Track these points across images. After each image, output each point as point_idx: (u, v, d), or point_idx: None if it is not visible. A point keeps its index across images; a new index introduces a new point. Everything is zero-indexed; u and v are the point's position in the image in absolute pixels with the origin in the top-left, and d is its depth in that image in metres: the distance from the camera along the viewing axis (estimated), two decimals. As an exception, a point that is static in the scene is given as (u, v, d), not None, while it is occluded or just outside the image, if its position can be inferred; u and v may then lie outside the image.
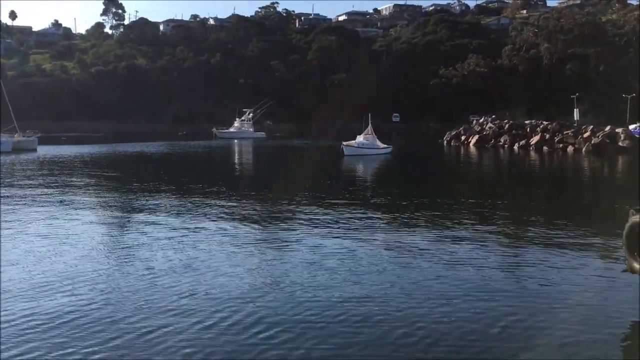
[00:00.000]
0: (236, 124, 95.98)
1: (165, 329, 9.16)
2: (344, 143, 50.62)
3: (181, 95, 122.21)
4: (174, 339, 8.83)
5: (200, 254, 14.01)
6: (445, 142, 72.59)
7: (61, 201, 23.09)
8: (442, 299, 10.76)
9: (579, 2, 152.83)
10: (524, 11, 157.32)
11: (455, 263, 13.37)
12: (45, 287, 11.28)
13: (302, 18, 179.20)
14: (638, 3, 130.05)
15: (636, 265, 9.54)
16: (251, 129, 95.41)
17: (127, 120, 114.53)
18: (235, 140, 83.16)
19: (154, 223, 18.38)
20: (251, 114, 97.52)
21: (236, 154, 61.68)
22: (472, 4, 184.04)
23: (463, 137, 70.73)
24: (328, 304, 10.43)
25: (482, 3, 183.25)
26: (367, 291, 11.18)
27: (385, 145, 55.11)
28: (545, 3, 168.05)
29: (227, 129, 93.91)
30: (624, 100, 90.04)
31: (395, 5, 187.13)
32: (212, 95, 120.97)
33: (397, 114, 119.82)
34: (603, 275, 12.28)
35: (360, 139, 52.93)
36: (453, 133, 73.75)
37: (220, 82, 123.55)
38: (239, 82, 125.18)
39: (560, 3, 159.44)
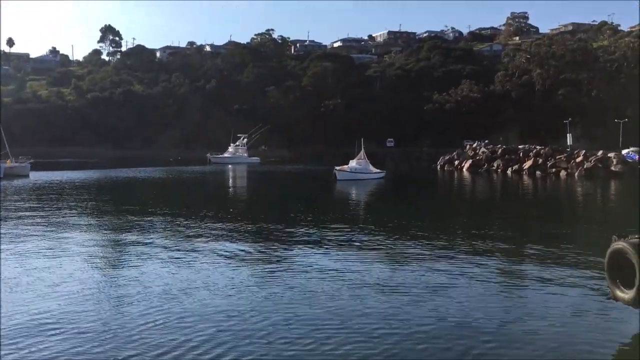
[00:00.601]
0: (230, 149, 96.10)
1: (128, 353, 8.96)
2: (337, 168, 50.54)
3: (177, 121, 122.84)
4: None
5: (179, 280, 13.81)
6: (438, 166, 72.68)
7: (47, 225, 22.86)
8: (414, 323, 10.56)
9: (570, 29, 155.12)
10: (517, 38, 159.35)
11: (436, 289, 13.19)
12: (10, 314, 11.02)
13: (298, 45, 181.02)
14: (628, 30, 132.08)
15: (618, 293, 9.35)
16: (245, 154, 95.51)
17: (123, 146, 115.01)
18: (230, 166, 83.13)
19: (135, 247, 18.21)
20: (245, 139, 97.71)
21: (230, 179, 61.55)
22: (465, 31, 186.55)
23: (456, 162, 70.83)
24: (297, 327, 10.23)
25: (475, 30, 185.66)
26: (342, 316, 10.97)
27: (378, 170, 55.08)
28: (538, 30, 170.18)
29: (221, 154, 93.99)
30: (616, 125, 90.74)
31: (389, 32, 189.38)
32: (208, 121, 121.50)
33: (392, 139, 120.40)
34: (588, 303, 12.07)
35: (352, 163, 52.89)
36: (447, 158, 73.87)
37: (216, 108, 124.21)
38: (234, 107, 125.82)
39: (552, 30, 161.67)
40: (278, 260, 16.36)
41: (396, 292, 12.76)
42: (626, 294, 9.12)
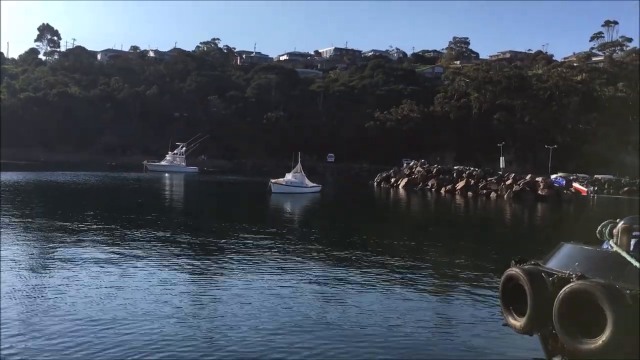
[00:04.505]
0: (168, 157, 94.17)
1: None
2: (272, 180, 50.22)
3: (114, 126, 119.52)
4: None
5: (109, 291, 13.17)
6: (375, 183, 73.50)
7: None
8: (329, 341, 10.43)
9: (508, 56, 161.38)
10: (458, 62, 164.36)
11: (338, 303, 13.10)
12: None
13: (244, 56, 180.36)
14: (561, 60, 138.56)
15: (511, 320, 9.39)
16: (183, 163, 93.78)
17: (56, 149, 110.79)
18: (166, 174, 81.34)
19: (59, 257, 17.33)
20: (184, 148, 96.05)
21: (166, 188, 60.14)
22: (409, 52, 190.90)
23: (393, 180, 71.85)
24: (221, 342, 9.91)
25: (419, 52, 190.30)
26: (270, 329, 10.71)
27: (314, 184, 55.15)
28: (478, 55, 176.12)
29: (158, 162, 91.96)
30: (546, 150, 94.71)
31: (335, 49, 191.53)
32: (146, 128, 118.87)
33: (332, 154, 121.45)
34: (488, 327, 12.23)
35: (289, 177, 52.76)
36: (384, 175, 74.81)
37: (155, 114, 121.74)
38: (174, 115, 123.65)
39: (491, 56, 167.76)
40: (202, 274, 15.93)
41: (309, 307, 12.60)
42: (518, 322, 9.16)
